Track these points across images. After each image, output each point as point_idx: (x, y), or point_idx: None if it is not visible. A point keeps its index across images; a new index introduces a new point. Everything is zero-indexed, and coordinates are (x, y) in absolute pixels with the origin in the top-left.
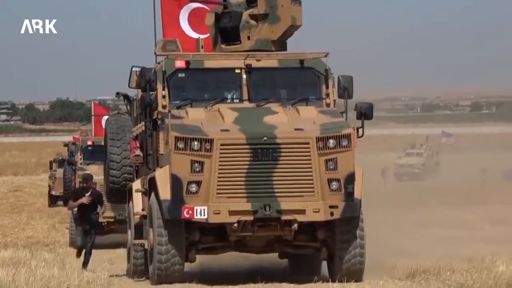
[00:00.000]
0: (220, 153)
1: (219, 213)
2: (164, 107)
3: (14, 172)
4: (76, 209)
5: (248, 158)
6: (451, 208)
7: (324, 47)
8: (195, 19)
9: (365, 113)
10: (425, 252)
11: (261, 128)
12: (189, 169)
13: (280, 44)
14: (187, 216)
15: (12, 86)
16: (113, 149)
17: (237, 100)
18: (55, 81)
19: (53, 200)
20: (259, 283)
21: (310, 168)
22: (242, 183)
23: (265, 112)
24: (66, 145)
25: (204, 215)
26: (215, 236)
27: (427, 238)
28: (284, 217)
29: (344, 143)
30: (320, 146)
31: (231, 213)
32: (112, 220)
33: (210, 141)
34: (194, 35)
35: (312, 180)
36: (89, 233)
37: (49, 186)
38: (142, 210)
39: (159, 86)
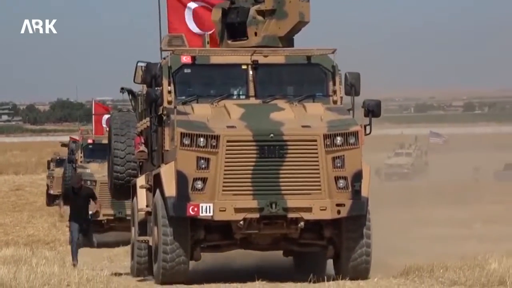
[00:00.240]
0: (226, 150)
1: (224, 211)
2: (169, 102)
3: (15, 171)
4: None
5: (254, 155)
6: (444, 207)
7: (331, 45)
8: (199, 16)
9: (372, 110)
10: (419, 250)
11: (268, 124)
12: (195, 165)
13: (287, 40)
14: (192, 213)
15: (13, 87)
16: (118, 144)
17: (243, 96)
18: (55, 82)
19: (51, 199)
20: (261, 281)
21: (317, 165)
22: (248, 180)
23: (271, 109)
24: (63, 145)
25: (209, 212)
26: (220, 234)
27: (421, 237)
28: (291, 215)
29: (352, 140)
30: (328, 143)
31: (237, 210)
32: (112, 218)
33: (216, 138)
34: (199, 31)
35: (319, 177)
36: (82, 230)
37: (47, 185)
38: (147, 206)
39: (165, 82)
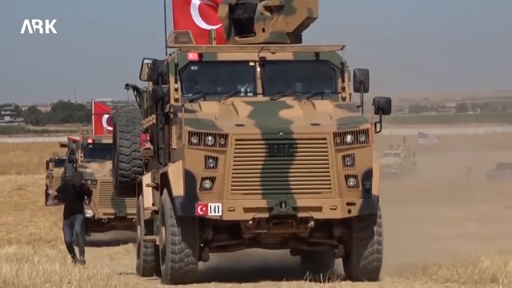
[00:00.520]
0: (235, 149)
1: (233, 210)
2: (176, 100)
3: (18, 171)
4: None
5: (263, 154)
6: (437, 207)
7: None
8: (205, 11)
9: (383, 107)
10: (412, 248)
11: (277, 123)
12: (203, 164)
13: (296, 36)
14: (201, 213)
15: (15, 88)
16: (123, 141)
17: (251, 94)
18: (56, 84)
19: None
20: (269, 281)
21: (327, 164)
22: (258, 179)
23: (280, 106)
24: (62, 145)
25: (218, 212)
26: (228, 233)
27: (414, 235)
28: (300, 214)
29: (362, 138)
30: (338, 141)
31: (246, 210)
32: (112, 217)
33: (225, 136)
34: (205, 26)
35: (329, 176)
36: (73, 226)
37: (46, 185)
38: (153, 205)
39: (172, 79)
